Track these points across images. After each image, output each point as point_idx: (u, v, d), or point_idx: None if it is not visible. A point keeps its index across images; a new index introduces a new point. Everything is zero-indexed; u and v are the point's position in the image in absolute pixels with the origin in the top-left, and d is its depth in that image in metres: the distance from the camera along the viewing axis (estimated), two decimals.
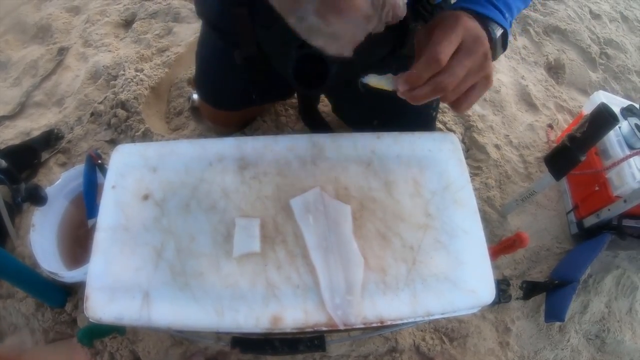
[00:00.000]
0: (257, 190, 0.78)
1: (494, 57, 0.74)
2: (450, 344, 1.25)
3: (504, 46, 0.76)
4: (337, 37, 0.59)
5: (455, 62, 0.64)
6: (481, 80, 0.69)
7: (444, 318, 1.01)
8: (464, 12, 0.72)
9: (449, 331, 1.26)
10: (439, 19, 0.70)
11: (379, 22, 0.59)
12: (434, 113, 1.18)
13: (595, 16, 2.24)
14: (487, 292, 0.71)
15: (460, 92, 0.68)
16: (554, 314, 1.23)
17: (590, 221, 1.40)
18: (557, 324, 1.33)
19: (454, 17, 0.67)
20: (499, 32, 0.73)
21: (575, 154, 1.15)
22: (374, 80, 0.71)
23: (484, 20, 0.72)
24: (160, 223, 0.75)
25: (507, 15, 0.75)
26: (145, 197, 0.78)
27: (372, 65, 1.02)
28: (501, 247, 1.04)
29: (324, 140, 0.83)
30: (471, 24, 0.67)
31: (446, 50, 0.63)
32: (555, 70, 1.96)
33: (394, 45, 0.98)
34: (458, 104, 0.70)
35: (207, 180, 0.79)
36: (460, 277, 0.72)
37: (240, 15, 0.95)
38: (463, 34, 0.65)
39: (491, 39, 0.71)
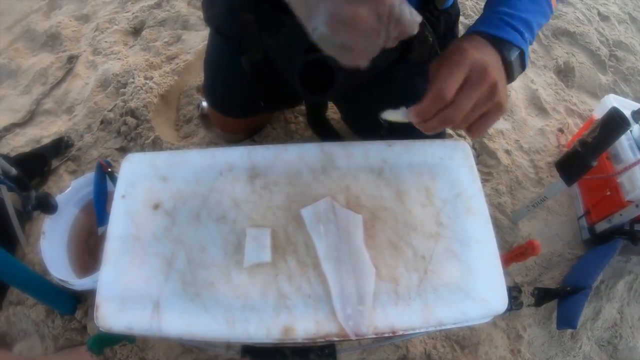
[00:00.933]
0: (267, 199, 0.77)
1: (512, 78, 0.76)
2: (462, 352, 1.24)
3: (523, 66, 0.78)
4: (349, 48, 0.59)
5: (461, 97, 0.66)
6: (492, 109, 0.70)
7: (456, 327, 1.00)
8: (475, 39, 0.73)
9: (460, 339, 1.25)
10: (447, 54, 0.71)
11: (387, 36, 0.59)
12: None
13: (604, 18, 2.22)
14: (499, 301, 0.70)
15: (470, 122, 0.70)
16: (567, 320, 1.22)
17: (601, 226, 1.38)
18: (569, 330, 1.32)
19: (459, 52, 0.68)
20: (515, 54, 0.75)
21: (586, 159, 1.14)
22: (391, 115, 0.73)
23: (499, 44, 0.73)
24: (171, 233, 0.75)
25: (526, 35, 0.76)
26: (156, 207, 0.78)
27: (378, 71, 1.02)
28: (513, 255, 1.03)
29: (335, 148, 0.83)
30: (477, 57, 0.68)
31: (450, 86, 0.65)
32: (564, 73, 1.94)
33: (401, 52, 0.98)
34: (470, 131, 0.72)
35: (217, 189, 0.79)
36: (473, 286, 0.71)
37: (246, 21, 0.95)
38: (469, 68, 0.67)
39: (507, 62, 0.74)
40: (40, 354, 1.21)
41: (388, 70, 1.02)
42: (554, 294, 1.27)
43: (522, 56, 0.76)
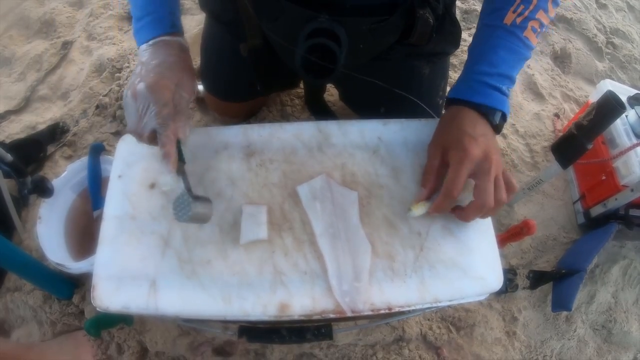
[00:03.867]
0: (263, 177, 0.77)
1: (498, 132, 0.79)
2: (457, 333, 1.25)
3: (505, 118, 0.80)
4: None
5: (478, 192, 0.71)
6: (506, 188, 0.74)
7: (451, 305, 1.00)
8: (466, 115, 0.76)
9: (455, 320, 1.26)
10: (449, 142, 0.74)
11: None
12: (441, 101, 1.17)
13: (602, 5, 2.22)
14: (495, 278, 0.71)
15: (501, 196, 0.72)
16: (562, 303, 1.23)
17: (597, 211, 1.39)
18: (564, 313, 1.33)
19: (462, 148, 0.71)
20: (498, 117, 0.78)
21: (582, 141, 1.14)
22: (419, 210, 0.74)
23: (485, 110, 0.76)
24: (167, 211, 0.75)
25: (505, 87, 0.79)
26: (152, 186, 0.78)
27: (378, 53, 1.02)
28: (509, 234, 1.04)
29: (330, 126, 0.83)
30: (477, 152, 0.71)
31: (458, 186, 0.69)
32: (561, 59, 1.94)
33: (401, 34, 0.98)
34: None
35: (213, 167, 0.79)
36: (468, 263, 0.71)
37: (244, 7, 0.94)
38: (473, 165, 0.71)
39: (493, 126, 0.77)
40: (38, 340, 1.22)
41: (388, 51, 1.02)
42: (549, 277, 1.28)
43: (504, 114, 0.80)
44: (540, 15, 0.79)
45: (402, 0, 0.89)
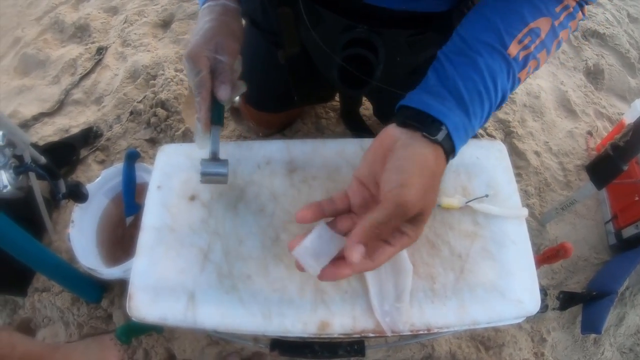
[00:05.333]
0: (306, 194, 0.77)
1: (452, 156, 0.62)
2: (486, 353, 1.23)
3: (452, 148, 0.61)
4: None
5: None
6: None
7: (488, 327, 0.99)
8: (400, 146, 0.59)
9: (485, 340, 1.25)
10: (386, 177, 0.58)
11: None
12: None
13: (634, 20, 2.18)
14: (533, 302, 0.70)
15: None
16: (591, 326, 1.21)
17: (629, 232, 1.37)
18: (592, 336, 1.31)
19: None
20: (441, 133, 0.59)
21: (617, 162, 1.13)
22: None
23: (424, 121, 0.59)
24: (207, 224, 0.75)
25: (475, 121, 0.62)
26: (192, 198, 0.78)
27: (416, 66, 1.01)
28: (544, 257, 1.02)
29: None
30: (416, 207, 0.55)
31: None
32: (594, 75, 1.91)
33: (439, 47, 0.97)
34: None
35: (255, 182, 0.79)
36: (507, 286, 0.70)
37: (284, 14, 0.95)
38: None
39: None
40: (64, 341, 1.23)
41: (426, 66, 1.01)
42: (579, 299, 1.26)
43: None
44: (541, 55, 0.64)
45: (439, 13, 0.88)
